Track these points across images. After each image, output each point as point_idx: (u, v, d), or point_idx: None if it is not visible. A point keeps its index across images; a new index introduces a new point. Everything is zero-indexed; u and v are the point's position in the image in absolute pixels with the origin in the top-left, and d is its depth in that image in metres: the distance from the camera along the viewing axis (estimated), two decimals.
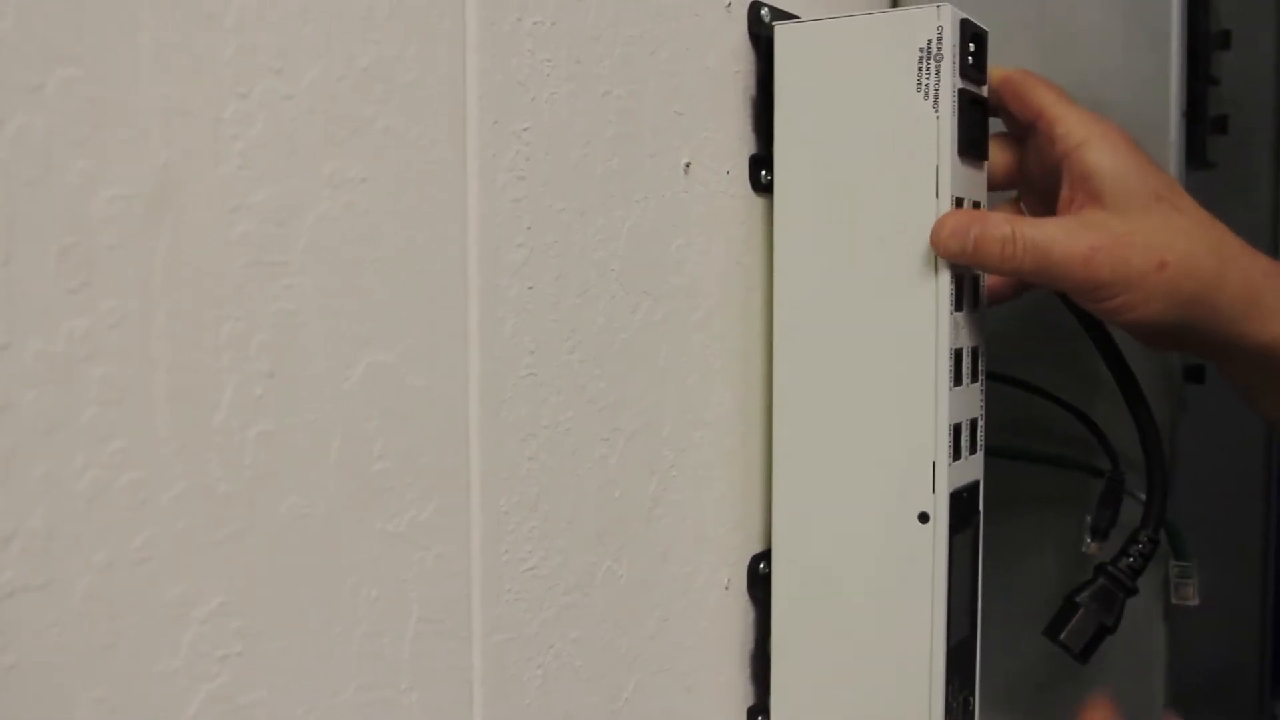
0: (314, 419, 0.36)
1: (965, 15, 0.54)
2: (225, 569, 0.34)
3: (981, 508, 0.59)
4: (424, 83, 0.40)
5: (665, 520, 0.53)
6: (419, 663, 0.40)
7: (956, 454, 0.56)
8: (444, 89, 0.41)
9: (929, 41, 0.53)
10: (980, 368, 0.58)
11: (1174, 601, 0.65)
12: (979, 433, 0.58)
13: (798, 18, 0.58)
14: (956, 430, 0.55)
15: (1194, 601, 0.65)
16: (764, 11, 0.58)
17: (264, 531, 0.35)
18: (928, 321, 0.54)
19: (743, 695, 0.59)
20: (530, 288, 0.45)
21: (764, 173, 0.58)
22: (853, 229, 0.56)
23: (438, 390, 0.41)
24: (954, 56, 0.53)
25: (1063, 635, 0.59)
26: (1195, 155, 0.69)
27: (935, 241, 0.53)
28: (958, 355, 0.55)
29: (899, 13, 0.55)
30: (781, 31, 0.57)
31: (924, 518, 0.55)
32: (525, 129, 0.44)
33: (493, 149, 0.43)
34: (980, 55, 0.56)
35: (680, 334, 0.53)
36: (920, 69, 0.54)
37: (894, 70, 0.54)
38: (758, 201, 0.58)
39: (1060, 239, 0.53)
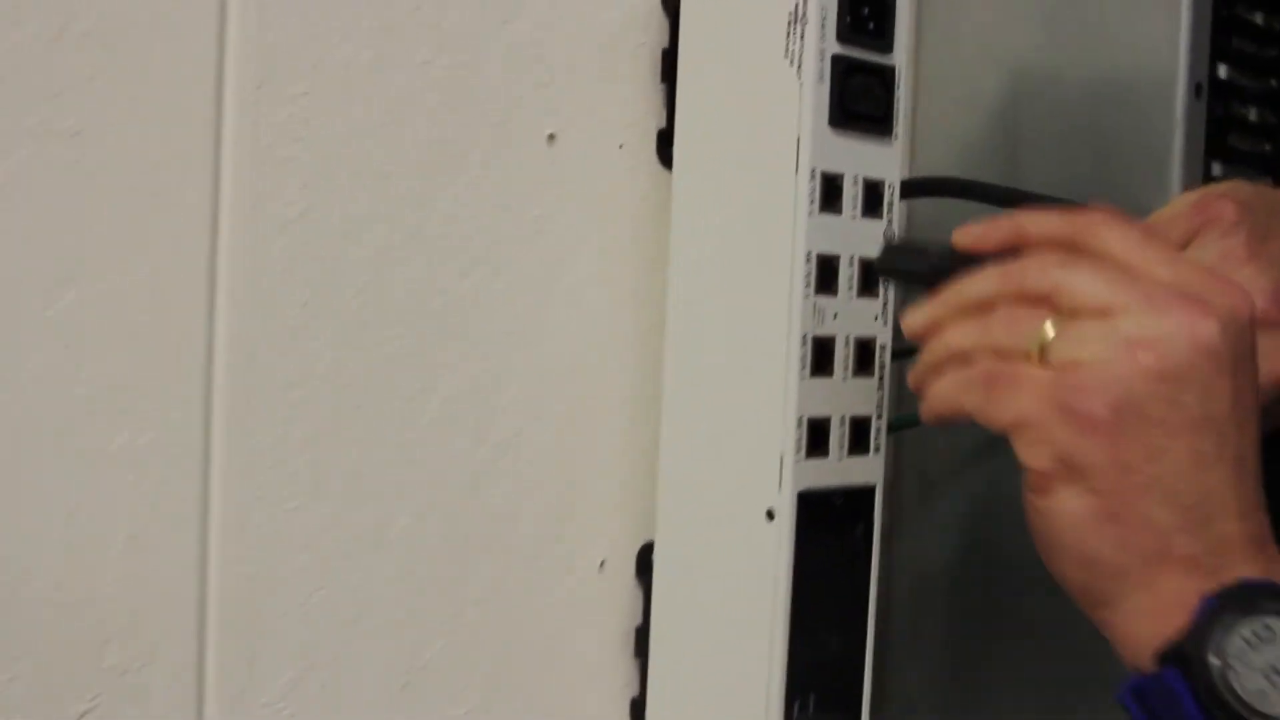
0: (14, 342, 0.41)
1: None
2: None
3: (878, 516, 0.54)
4: (162, 42, 0.43)
5: (502, 488, 0.53)
6: (128, 575, 0.44)
7: (820, 450, 0.52)
8: (193, 50, 0.44)
9: (796, 5, 0.50)
10: (882, 360, 0.54)
11: None
12: (877, 434, 0.54)
13: None
14: (817, 425, 0.51)
15: None
16: None
17: None
18: (780, 304, 0.51)
19: (625, 679, 0.58)
20: (305, 243, 0.47)
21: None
22: (731, 206, 0.53)
23: (167, 327, 0.44)
24: (821, 20, 0.50)
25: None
26: (1216, 142, 0.59)
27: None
28: (823, 343, 0.51)
29: None
30: (688, 1, 0.56)
31: (770, 515, 0.51)
32: (304, 94, 0.46)
33: (256, 109, 0.45)
34: (883, 18, 0.52)
35: (535, 304, 0.53)
36: (788, 34, 0.50)
37: (766, 36, 0.51)
38: (668, 177, 0.57)
39: None
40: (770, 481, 0.51)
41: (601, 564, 0.57)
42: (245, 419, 0.46)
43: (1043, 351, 0.39)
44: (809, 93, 0.50)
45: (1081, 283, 0.39)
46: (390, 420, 0.50)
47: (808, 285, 0.50)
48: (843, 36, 0.50)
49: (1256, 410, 0.39)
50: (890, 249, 0.50)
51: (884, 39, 0.52)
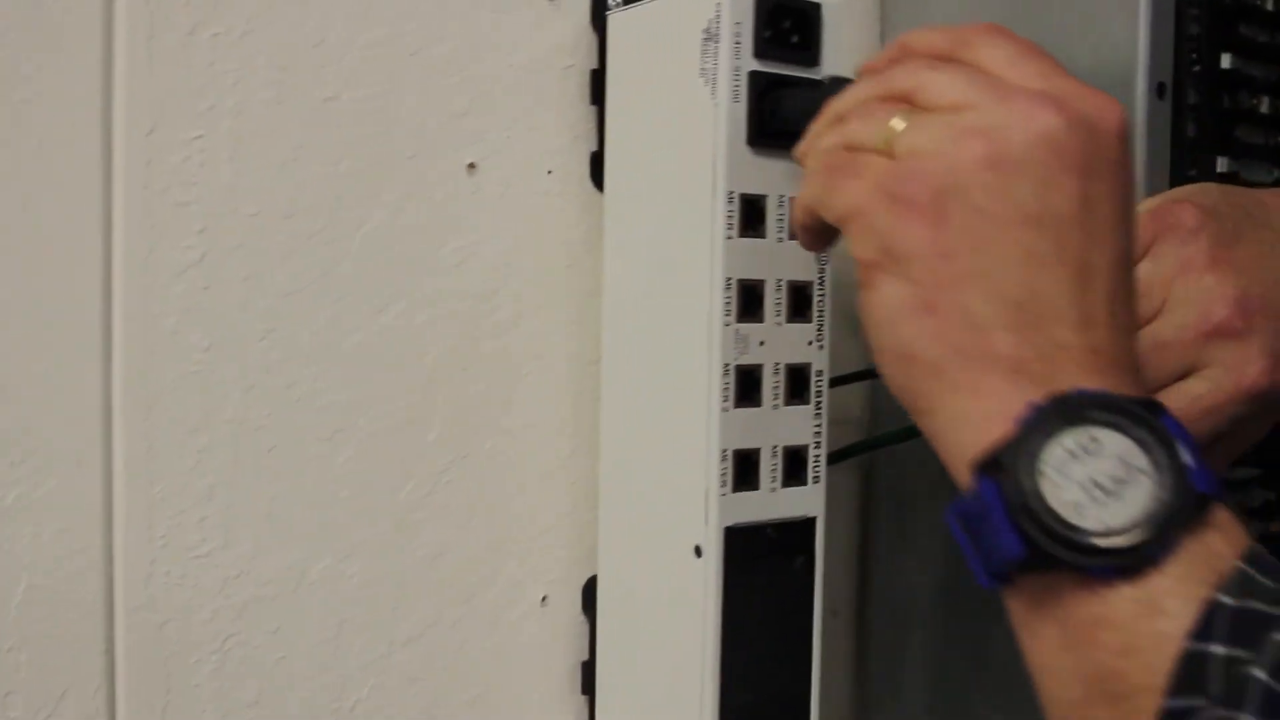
0: None
1: None
2: None
3: (819, 548, 0.52)
4: (45, 95, 0.43)
5: (431, 526, 0.52)
6: (28, 626, 0.44)
7: (750, 484, 0.50)
8: (79, 100, 0.44)
9: (709, 22, 0.48)
10: (819, 387, 0.51)
11: None
12: (815, 463, 0.51)
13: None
14: (744, 457, 0.49)
15: None
16: (614, 1, 0.55)
17: None
18: (700, 333, 0.49)
19: (574, 715, 0.56)
20: (205, 288, 0.47)
21: None
22: (656, 231, 0.52)
23: (62, 377, 0.44)
24: (735, 37, 0.48)
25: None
26: (1221, 136, 0.55)
27: None
28: (748, 372, 0.49)
29: None
30: (614, 20, 0.54)
31: (698, 551, 0.49)
32: (197, 137, 0.46)
33: (147, 156, 0.45)
34: (808, 33, 0.50)
35: (460, 337, 0.52)
36: (704, 52, 0.49)
37: (683, 55, 0.49)
38: (602, 201, 0.55)
39: None
40: (697, 517, 0.49)
41: (544, 599, 0.56)
42: (146, 466, 0.46)
43: (890, 145, 0.37)
44: (724, 112, 0.48)
45: (941, 81, 0.37)
46: (306, 462, 0.49)
47: (728, 312, 0.48)
48: (761, 52, 0.48)
49: (1123, 227, 0.36)
50: (786, 93, 0.48)
51: (809, 52, 0.50)
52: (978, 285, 0.35)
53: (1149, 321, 0.44)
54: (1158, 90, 0.53)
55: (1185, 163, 0.55)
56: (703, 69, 0.49)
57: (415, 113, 0.51)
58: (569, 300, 0.55)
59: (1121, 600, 0.32)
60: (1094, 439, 0.32)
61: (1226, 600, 0.31)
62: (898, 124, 0.37)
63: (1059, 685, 0.33)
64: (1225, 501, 0.33)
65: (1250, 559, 0.32)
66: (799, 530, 0.51)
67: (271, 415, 0.48)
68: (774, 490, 0.50)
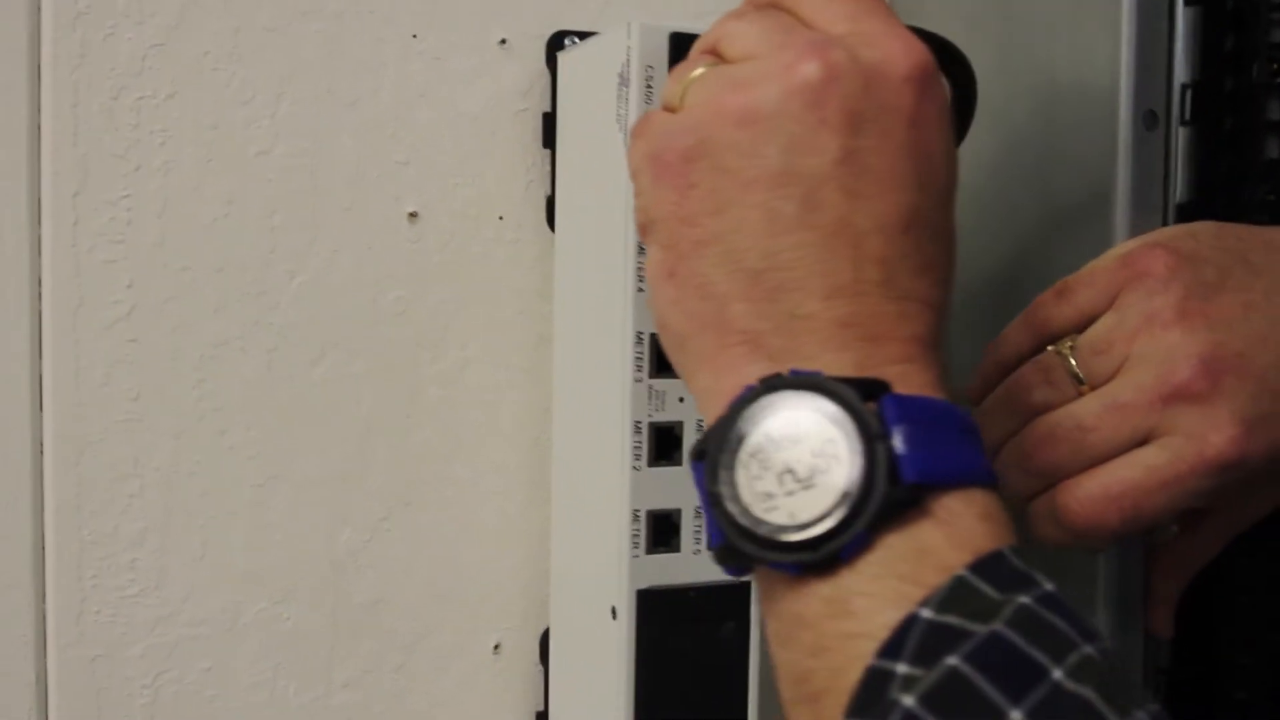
0: None
1: (679, 29, 0.46)
2: None
3: (755, 612, 0.49)
4: None
5: (371, 572, 0.53)
6: None
7: (669, 545, 0.48)
8: (6, 164, 0.47)
9: (622, 65, 0.46)
10: None
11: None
12: None
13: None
14: (661, 518, 0.47)
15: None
16: (570, 40, 0.54)
17: None
18: (614, 389, 0.47)
19: None
20: (133, 340, 0.48)
21: None
22: (589, 279, 0.50)
23: None
24: (646, 81, 0.46)
25: None
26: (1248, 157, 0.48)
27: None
28: (665, 430, 0.47)
29: (604, 36, 0.48)
30: (562, 60, 0.53)
31: (614, 613, 0.48)
32: (124, 196, 0.48)
33: (74, 216, 0.47)
34: None
35: (401, 386, 0.52)
36: (618, 97, 0.47)
37: (601, 99, 0.48)
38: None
39: None
40: (611, 578, 0.48)
41: (496, 647, 0.55)
42: (76, 511, 0.48)
43: (682, 102, 0.35)
44: None
45: (738, 31, 0.34)
46: (239, 507, 0.50)
47: (639, 368, 0.46)
48: None
49: (909, 181, 0.32)
50: None
51: None
52: (716, 252, 0.32)
53: (1108, 380, 0.39)
54: (1146, 120, 0.47)
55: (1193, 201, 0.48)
56: (617, 114, 0.47)
57: (351, 164, 0.51)
58: (520, 348, 0.54)
59: (814, 598, 0.29)
60: (795, 424, 0.29)
61: (925, 614, 0.27)
62: (692, 77, 0.34)
63: (779, 682, 0.31)
64: (990, 489, 0.29)
65: (984, 563, 0.28)
66: (727, 594, 0.49)
67: (202, 462, 0.50)
68: (697, 552, 0.48)
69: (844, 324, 0.31)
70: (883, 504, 0.28)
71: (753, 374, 0.31)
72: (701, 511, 0.31)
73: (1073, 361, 0.40)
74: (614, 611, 0.48)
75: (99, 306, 0.48)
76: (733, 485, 0.30)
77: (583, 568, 0.51)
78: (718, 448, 0.30)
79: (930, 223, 0.32)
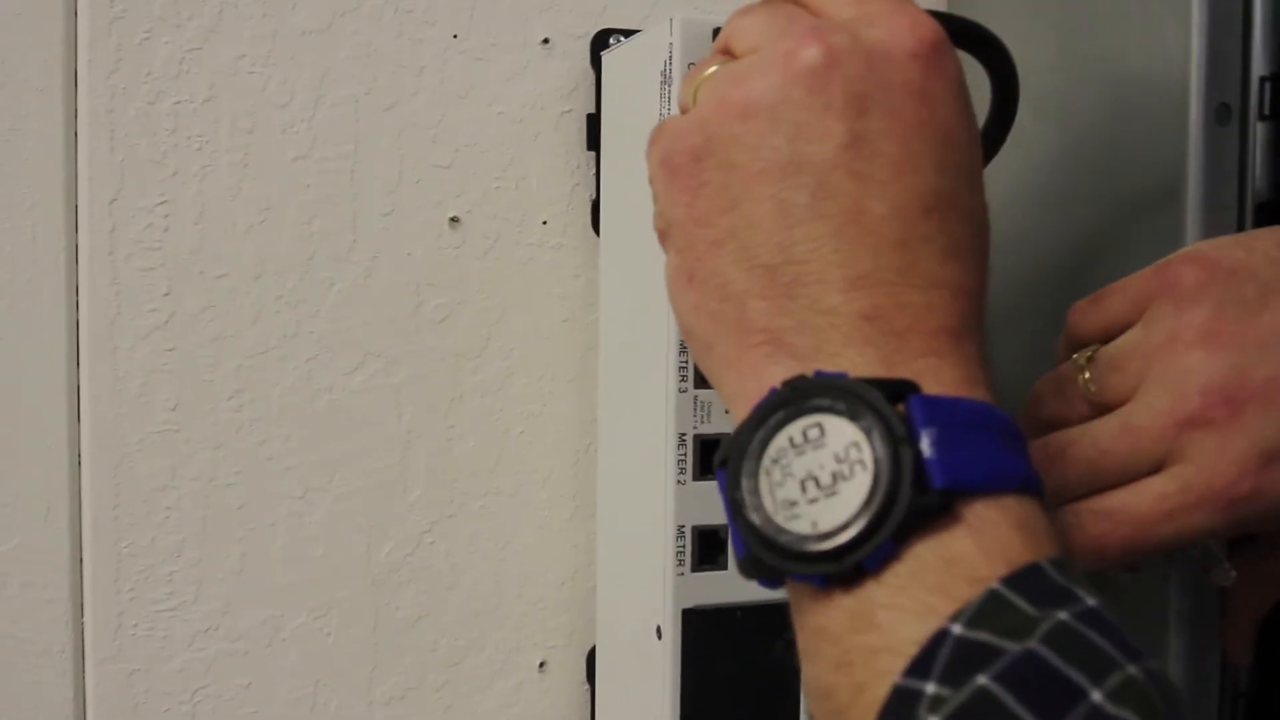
0: None
1: (720, 25, 0.44)
2: None
3: None
4: (9, 167, 0.46)
5: (413, 586, 0.51)
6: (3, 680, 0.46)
7: (715, 563, 0.46)
8: (43, 171, 0.46)
9: (664, 63, 0.45)
10: None
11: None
12: None
13: None
14: (707, 534, 0.45)
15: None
16: (615, 39, 0.52)
17: None
18: (659, 399, 0.45)
19: None
20: (171, 349, 0.48)
21: None
22: (637, 287, 0.49)
23: (30, 437, 0.46)
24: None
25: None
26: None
27: None
28: (711, 443, 0.45)
29: (646, 33, 0.47)
30: (606, 59, 0.51)
31: (659, 633, 0.46)
32: (161, 202, 0.47)
33: (111, 223, 0.47)
34: None
35: (443, 396, 0.51)
36: (660, 95, 0.45)
37: (645, 99, 0.46)
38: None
39: None
40: (656, 597, 0.46)
41: (541, 664, 0.53)
42: (113, 522, 0.47)
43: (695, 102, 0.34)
44: None
45: (745, 25, 0.33)
46: (277, 519, 0.49)
47: (684, 378, 0.45)
48: None
49: (925, 163, 0.30)
50: None
51: None
52: (732, 250, 0.31)
53: (1120, 397, 0.37)
54: (1218, 114, 0.44)
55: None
56: (661, 115, 0.45)
57: (391, 168, 0.50)
58: (566, 356, 0.53)
59: (838, 611, 0.27)
60: (819, 427, 0.27)
61: (955, 629, 0.25)
62: (704, 77, 0.33)
63: (807, 696, 0.29)
64: (1032, 497, 0.27)
65: (1020, 576, 0.26)
66: (776, 613, 0.47)
67: (241, 473, 0.49)
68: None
69: (867, 317, 0.29)
70: (909, 512, 0.26)
71: (776, 375, 0.29)
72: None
73: (1086, 375, 0.38)
74: (659, 631, 0.46)
75: (136, 315, 0.47)
76: (755, 493, 0.28)
77: (628, 585, 0.49)
78: (740, 454, 0.29)
79: (955, 204, 0.30)
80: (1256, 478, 0.34)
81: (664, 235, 0.34)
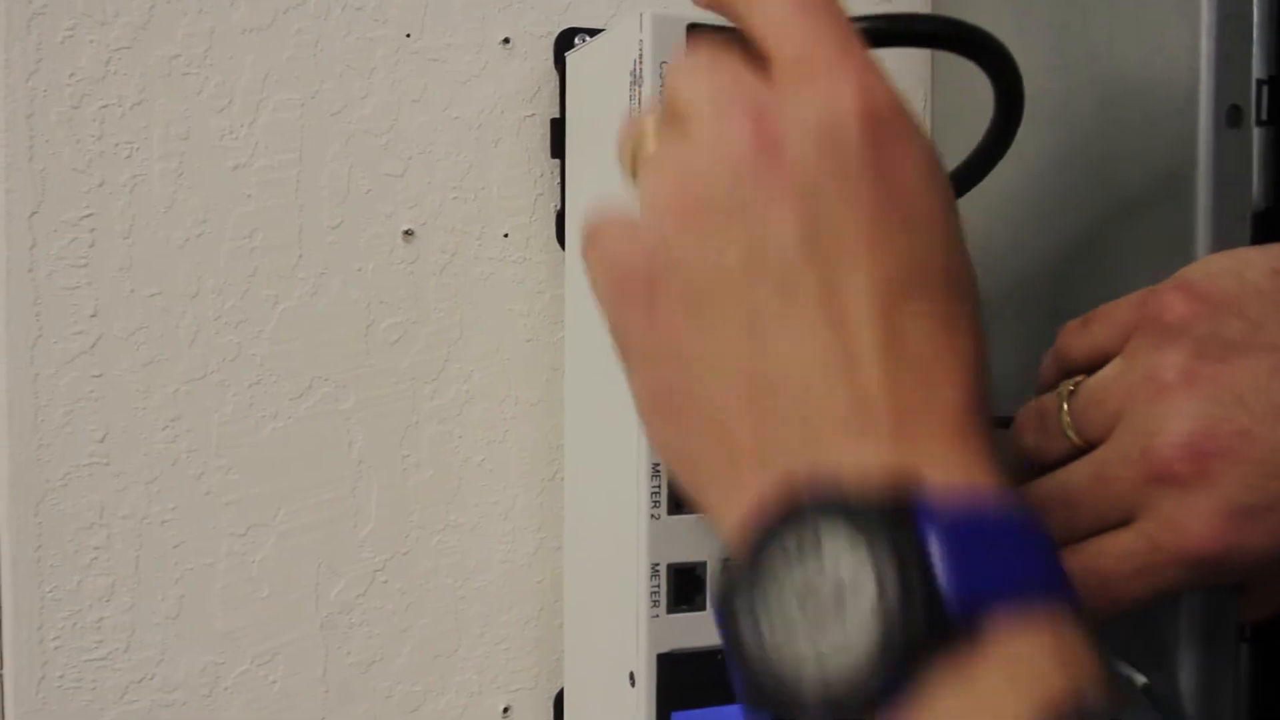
0: None
1: (697, 19, 0.41)
2: None
3: None
4: None
5: (366, 628, 0.48)
6: None
7: (692, 603, 0.42)
8: None
9: (634, 62, 0.41)
10: None
11: None
12: None
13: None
14: (683, 572, 0.42)
15: None
16: (581, 39, 0.49)
17: None
18: (629, 426, 0.42)
19: None
20: (98, 375, 0.44)
21: None
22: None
23: None
24: (659, 80, 0.41)
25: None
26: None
27: None
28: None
29: (614, 30, 0.43)
30: (571, 61, 0.48)
31: (632, 679, 0.42)
32: (86, 216, 0.43)
33: (30, 240, 0.43)
34: None
35: (397, 423, 0.48)
36: (629, 97, 0.42)
37: (613, 102, 0.43)
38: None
39: None
40: (631, 640, 0.42)
41: (505, 710, 0.50)
42: (35, 564, 0.43)
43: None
44: None
45: (685, 88, 0.29)
46: (217, 559, 0.46)
47: None
48: None
49: (897, 227, 0.27)
50: None
51: None
52: (704, 368, 0.28)
53: (1098, 435, 0.34)
54: (1228, 116, 0.41)
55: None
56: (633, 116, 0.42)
57: (339, 178, 0.46)
58: (529, 378, 0.49)
59: None
60: (815, 533, 0.24)
61: None
62: (646, 147, 0.30)
63: None
64: (1058, 606, 0.24)
65: (1056, 717, 0.22)
66: None
67: (177, 509, 0.45)
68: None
69: (860, 409, 0.26)
70: (921, 644, 0.23)
71: (766, 487, 0.26)
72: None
73: (1065, 407, 0.35)
74: (632, 678, 0.42)
75: (60, 338, 0.43)
76: (755, 623, 0.25)
77: (598, 626, 0.46)
78: (731, 588, 0.26)
79: (940, 272, 0.27)
80: (1224, 538, 0.31)
81: (622, 355, 0.31)
